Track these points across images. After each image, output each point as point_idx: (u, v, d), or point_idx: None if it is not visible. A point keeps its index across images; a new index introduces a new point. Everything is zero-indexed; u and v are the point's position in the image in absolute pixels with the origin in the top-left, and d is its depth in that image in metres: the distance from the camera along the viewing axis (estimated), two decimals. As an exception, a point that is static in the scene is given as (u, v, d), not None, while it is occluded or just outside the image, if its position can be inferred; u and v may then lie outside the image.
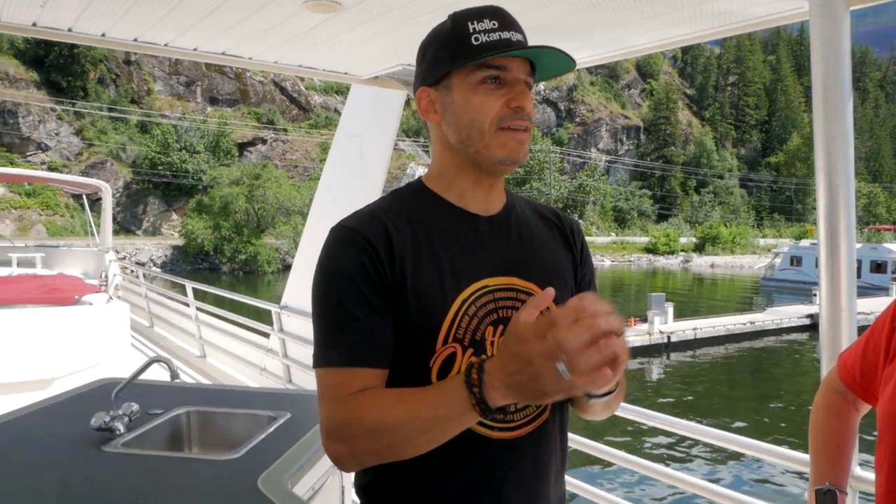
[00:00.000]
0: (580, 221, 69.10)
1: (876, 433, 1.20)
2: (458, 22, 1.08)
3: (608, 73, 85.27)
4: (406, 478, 1.08)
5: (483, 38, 1.05)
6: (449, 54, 1.08)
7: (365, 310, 1.02)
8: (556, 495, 1.18)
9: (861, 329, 1.44)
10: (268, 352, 5.43)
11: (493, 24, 1.06)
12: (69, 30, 2.54)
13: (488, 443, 1.07)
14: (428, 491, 1.08)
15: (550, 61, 1.09)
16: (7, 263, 8.51)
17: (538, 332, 0.81)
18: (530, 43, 1.09)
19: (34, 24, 2.49)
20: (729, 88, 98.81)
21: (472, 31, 1.06)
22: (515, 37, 1.07)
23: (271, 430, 2.05)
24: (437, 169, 1.16)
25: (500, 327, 1.07)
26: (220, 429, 2.23)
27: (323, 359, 1.03)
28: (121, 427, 1.98)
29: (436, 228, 1.10)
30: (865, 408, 1.39)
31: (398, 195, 1.15)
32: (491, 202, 1.16)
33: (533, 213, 1.23)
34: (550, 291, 0.87)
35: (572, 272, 1.21)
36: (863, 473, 1.71)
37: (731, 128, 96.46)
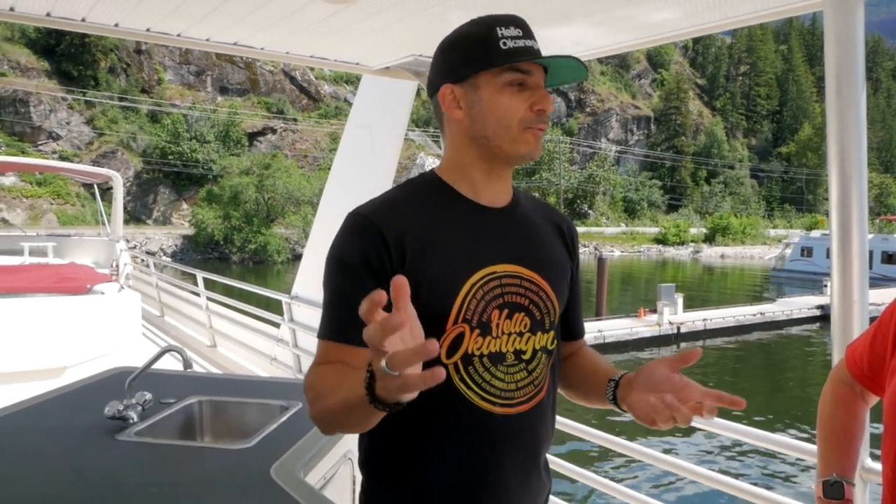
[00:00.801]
0: (590, 212, 68.86)
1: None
2: (487, 26, 1.17)
3: (619, 63, 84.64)
4: (409, 451, 1.15)
5: (510, 43, 1.15)
6: (480, 55, 1.15)
7: (357, 292, 1.05)
8: (545, 470, 1.28)
9: (873, 320, 1.43)
10: (278, 342, 5.47)
11: (518, 32, 1.16)
12: (82, 20, 2.55)
13: (490, 417, 1.14)
14: (430, 465, 1.15)
15: (565, 70, 1.20)
16: (19, 252, 8.58)
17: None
18: (543, 43, 1.19)
19: (48, 15, 2.50)
20: (740, 78, 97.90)
21: (500, 35, 1.15)
22: (536, 45, 1.17)
23: (283, 419, 2.06)
24: (450, 161, 1.23)
25: (506, 311, 1.16)
26: (233, 418, 2.25)
27: (319, 330, 1.14)
28: (134, 416, 2.00)
29: (448, 217, 1.18)
30: (873, 399, 1.39)
31: (412, 185, 1.23)
32: (500, 195, 1.23)
33: (535, 209, 1.31)
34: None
35: (570, 269, 1.31)
36: (874, 465, 1.71)
37: (742, 118, 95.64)
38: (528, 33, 1.17)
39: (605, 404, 1.23)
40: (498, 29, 1.15)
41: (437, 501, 1.15)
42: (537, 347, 1.20)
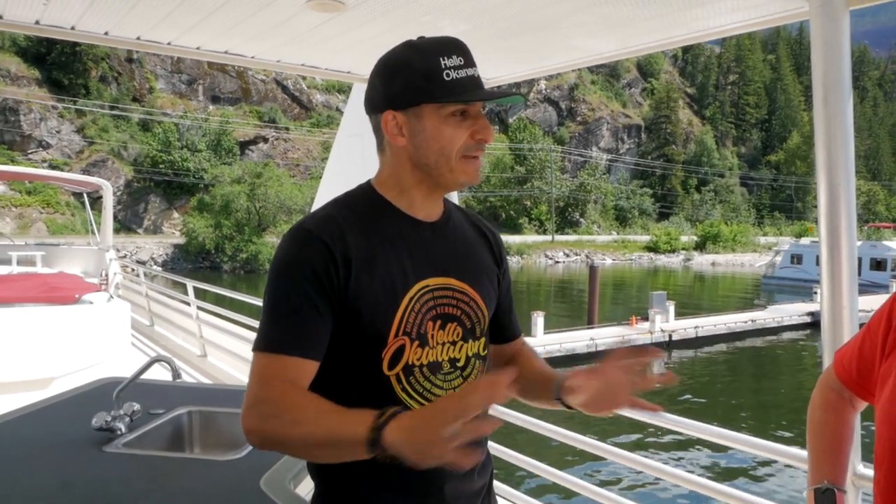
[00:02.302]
0: (581, 220, 68.97)
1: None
2: (430, 55, 1.17)
3: (609, 73, 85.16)
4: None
5: (454, 74, 1.17)
6: (424, 86, 1.17)
7: (305, 305, 1.12)
8: (478, 472, 1.30)
9: (863, 327, 1.44)
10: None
11: (460, 61, 1.18)
12: (72, 28, 2.54)
13: None
14: (373, 472, 1.16)
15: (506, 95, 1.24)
16: (7, 262, 8.51)
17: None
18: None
19: (37, 23, 2.48)
20: (729, 87, 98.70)
21: (443, 66, 1.17)
22: (476, 72, 1.20)
23: (273, 429, 2.04)
24: (389, 179, 1.25)
25: (439, 322, 1.21)
26: (222, 429, 2.23)
27: (259, 343, 1.13)
28: (122, 427, 1.98)
29: (387, 233, 1.21)
30: (862, 405, 1.38)
31: (351, 200, 1.25)
32: (434, 210, 1.28)
33: (465, 221, 1.37)
34: (508, 376, 0.96)
35: (496, 277, 1.37)
36: (866, 471, 1.71)
37: (732, 126, 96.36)
38: (469, 61, 1.19)
39: (552, 404, 1.33)
40: (441, 59, 1.16)
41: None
42: (470, 354, 1.26)
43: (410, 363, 1.18)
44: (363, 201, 1.24)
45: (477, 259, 1.32)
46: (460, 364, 1.24)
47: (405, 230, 1.23)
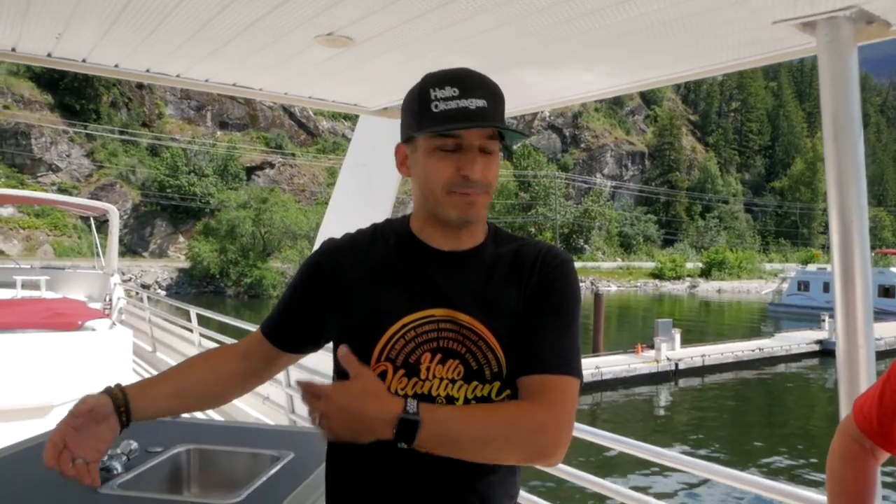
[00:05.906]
0: (586, 247, 68.75)
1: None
2: (423, 87, 1.16)
3: (613, 100, 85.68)
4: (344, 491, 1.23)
5: (442, 105, 1.12)
6: (412, 118, 1.17)
7: (285, 298, 1.31)
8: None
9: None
10: (271, 381, 5.38)
11: (454, 92, 1.12)
12: (83, 61, 2.56)
13: (416, 457, 1.09)
14: (343, 480, 1.22)
15: (508, 132, 1.16)
16: (12, 286, 8.51)
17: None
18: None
19: (49, 55, 2.50)
20: (732, 114, 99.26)
21: (432, 97, 1.13)
22: (475, 104, 1.12)
23: (274, 471, 1.99)
24: (414, 211, 1.27)
25: (438, 356, 1.15)
26: (221, 468, 2.17)
27: None
28: (118, 466, 1.92)
29: (397, 259, 1.22)
30: (884, 455, 1.34)
31: (386, 224, 1.30)
32: (462, 241, 1.23)
33: (509, 254, 1.23)
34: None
35: (521, 312, 1.19)
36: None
37: (735, 153, 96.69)
38: (467, 90, 1.11)
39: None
40: (431, 90, 1.13)
41: None
42: (470, 396, 1.15)
43: (394, 391, 1.13)
44: (392, 228, 1.27)
45: (500, 298, 1.18)
46: (458, 404, 1.15)
47: (422, 259, 1.20)
